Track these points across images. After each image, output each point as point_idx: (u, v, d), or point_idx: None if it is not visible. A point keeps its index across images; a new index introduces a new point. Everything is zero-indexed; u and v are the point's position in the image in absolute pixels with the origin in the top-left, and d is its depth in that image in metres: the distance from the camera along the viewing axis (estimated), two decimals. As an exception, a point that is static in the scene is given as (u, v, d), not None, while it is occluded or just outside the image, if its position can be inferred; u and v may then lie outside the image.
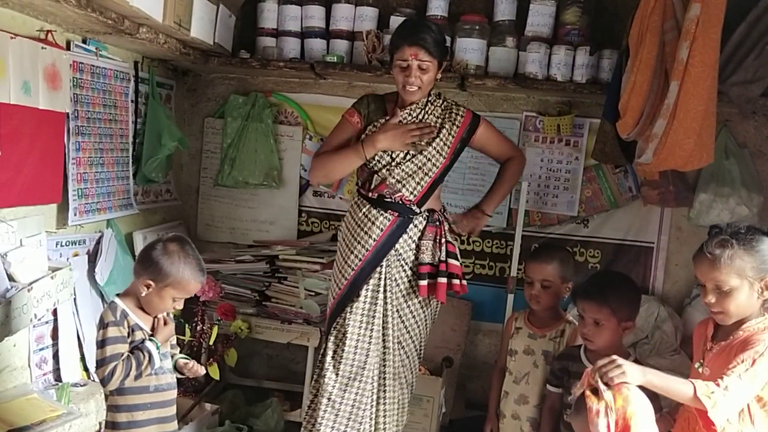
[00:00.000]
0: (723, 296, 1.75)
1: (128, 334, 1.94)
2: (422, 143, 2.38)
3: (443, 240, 2.42)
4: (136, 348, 1.94)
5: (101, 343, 1.91)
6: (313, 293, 3.17)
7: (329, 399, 2.35)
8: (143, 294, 1.96)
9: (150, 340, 1.95)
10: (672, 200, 3.17)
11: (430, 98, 2.44)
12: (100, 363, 1.90)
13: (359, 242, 2.39)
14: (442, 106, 2.46)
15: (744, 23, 2.56)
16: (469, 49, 3.15)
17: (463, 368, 3.44)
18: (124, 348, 1.91)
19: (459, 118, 2.44)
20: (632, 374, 1.58)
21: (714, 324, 1.85)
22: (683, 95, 2.36)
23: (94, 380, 2.61)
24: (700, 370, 1.82)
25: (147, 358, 1.92)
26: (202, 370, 2.14)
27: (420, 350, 2.53)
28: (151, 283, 1.95)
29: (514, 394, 2.35)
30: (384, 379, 2.41)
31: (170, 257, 1.95)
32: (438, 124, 2.42)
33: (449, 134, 2.42)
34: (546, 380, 2.26)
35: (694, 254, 1.83)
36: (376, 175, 2.41)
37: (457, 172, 3.33)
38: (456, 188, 3.41)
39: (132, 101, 3.01)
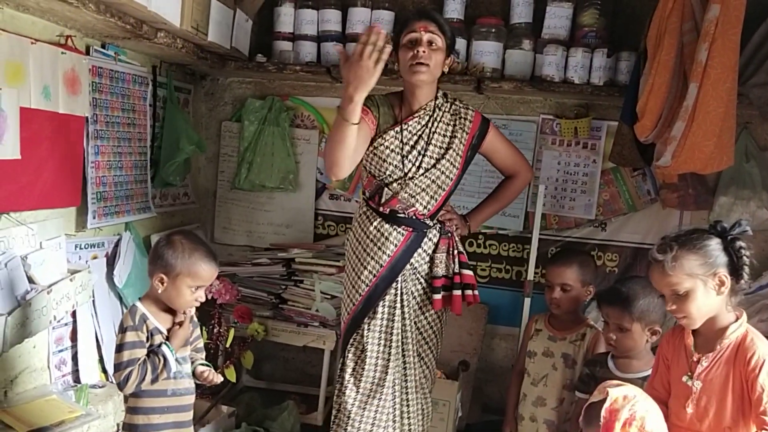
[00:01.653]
0: (682, 300, 1.74)
1: (147, 338, 1.95)
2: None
3: (455, 251, 2.36)
4: (152, 352, 1.95)
5: (119, 348, 1.93)
6: (329, 296, 3.18)
7: (349, 417, 2.32)
8: (160, 291, 1.96)
9: (165, 344, 1.96)
10: (691, 203, 3.14)
11: (437, 102, 2.32)
12: (117, 367, 1.92)
13: (372, 258, 2.31)
14: (451, 111, 2.35)
15: (764, 24, 2.53)
16: (486, 52, 3.14)
17: (480, 372, 3.42)
18: (141, 353, 1.93)
19: (468, 123, 2.35)
20: None
21: (692, 335, 1.82)
22: (702, 97, 2.34)
23: (112, 382, 2.63)
24: (689, 383, 1.79)
25: (162, 362, 1.93)
26: (218, 379, 2.12)
27: (437, 357, 2.50)
28: (163, 277, 1.95)
29: (531, 396, 2.34)
30: (407, 392, 2.37)
31: (175, 248, 1.96)
32: (449, 133, 2.33)
33: (460, 143, 2.34)
34: (574, 386, 2.24)
35: (649, 269, 1.82)
36: (386, 189, 2.31)
37: (473, 175, 3.33)
38: (472, 191, 3.39)
39: (150, 105, 3.04)
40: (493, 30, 3.15)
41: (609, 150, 3.10)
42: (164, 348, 1.95)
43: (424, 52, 2.18)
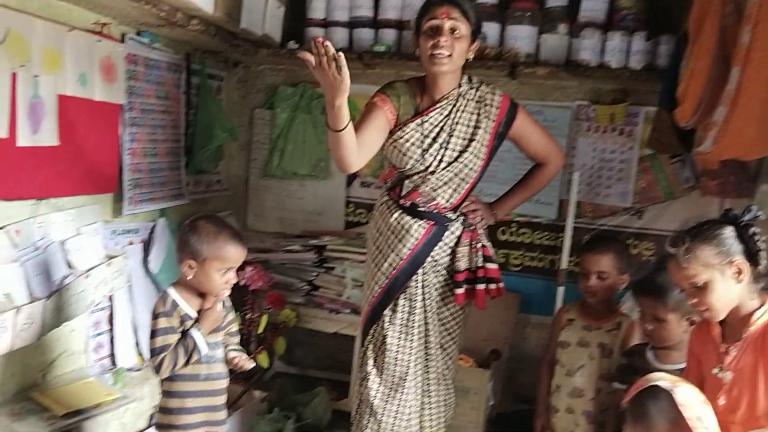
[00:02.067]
0: (701, 293, 1.71)
1: (179, 323, 1.97)
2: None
3: (479, 245, 2.28)
4: (183, 336, 1.96)
5: (152, 334, 1.96)
6: (360, 283, 3.18)
7: (372, 409, 2.31)
8: (190, 277, 1.97)
9: (195, 328, 1.97)
10: (732, 191, 3.05)
11: (461, 89, 2.20)
12: (152, 353, 1.95)
13: (392, 250, 2.26)
14: (476, 98, 2.22)
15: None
16: (520, 37, 3.09)
17: (511, 361, 3.39)
18: (173, 338, 1.94)
19: (494, 110, 2.21)
20: None
21: (719, 325, 1.78)
22: (745, 81, 2.26)
23: (148, 365, 2.68)
24: (720, 375, 1.75)
25: (192, 345, 1.94)
26: (249, 364, 2.11)
27: (459, 347, 2.46)
28: (191, 263, 1.96)
29: (567, 387, 2.30)
30: (428, 383, 2.35)
31: (199, 233, 1.96)
32: (473, 124, 2.21)
33: (485, 133, 2.21)
34: (612, 377, 2.21)
35: (667, 263, 1.79)
36: (407, 181, 2.24)
37: (506, 162, 3.28)
38: (505, 179, 3.32)
39: (184, 93, 3.06)
40: (528, 14, 3.09)
41: (646, 136, 3.03)
42: (193, 331, 1.96)
43: (446, 41, 2.06)
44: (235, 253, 1.98)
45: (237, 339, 2.20)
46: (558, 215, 3.34)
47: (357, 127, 2.12)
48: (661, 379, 1.64)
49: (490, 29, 3.12)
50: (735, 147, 2.38)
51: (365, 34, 3.31)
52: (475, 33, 2.16)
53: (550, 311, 3.16)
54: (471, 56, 2.19)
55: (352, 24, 3.36)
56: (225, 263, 1.97)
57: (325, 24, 3.38)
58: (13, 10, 2.02)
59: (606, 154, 3.28)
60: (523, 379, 3.41)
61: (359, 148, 2.07)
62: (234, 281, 2.03)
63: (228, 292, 2.05)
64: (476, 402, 3.09)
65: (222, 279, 1.98)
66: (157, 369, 1.93)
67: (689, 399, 1.58)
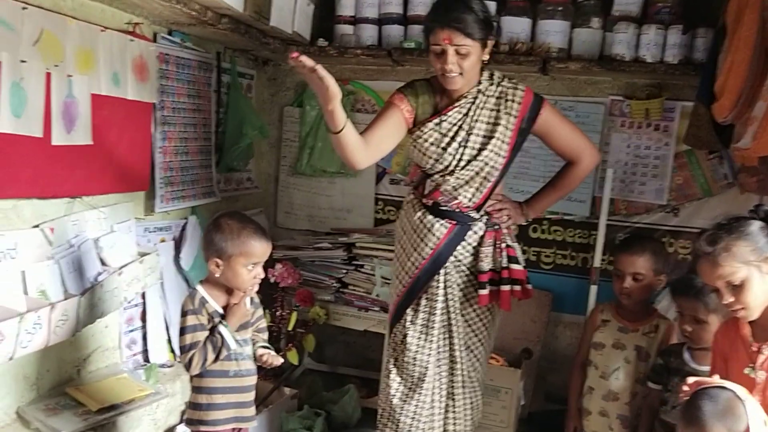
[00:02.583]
0: (738, 291, 1.65)
1: (208, 320, 1.98)
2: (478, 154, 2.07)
3: (504, 245, 2.23)
4: (211, 332, 1.97)
5: (181, 331, 1.97)
6: (389, 281, 3.16)
7: (391, 408, 2.31)
8: (217, 275, 1.98)
9: (222, 324, 1.97)
10: (772, 188, 2.96)
11: (480, 86, 2.15)
12: (182, 350, 1.96)
13: (415, 249, 2.24)
14: (496, 94, 2.16)
15: None
16: (552, 32, 3.04)
17: (543, 360, 3.35)
18: (202, 335, 1.95)
19: (515, 105, 2.14)
20: None
21: (748, 324, 1.73)
22: (787, 75, 2.19)
23: (179, 362, 2.70)
24: (753, 374, 1.69)
25: (220, 340, 1.95)
26: (277, 361, 2.11)
27: (489, 349, 2.41)
28: (218, 260, 1.96)
29: (601, 390, 2.25)
30: (452, 386, 2.31)
31: (222, 230, 1.95)
32: (492, 120, 2.15)
33: (506, 129, 2.15)
34: (647, 377, 2.16)
35: (697, 263, 1.73)
36: (429, 180, 2.22)
37: (538, 159, 3.25)
38: (537, 176, 3.30)
39: (215, 91, 3.08)
40: (560, 8, 3.04)
41: (683, 132, 2.96)
42: (221, 327, 1.96)
43: (453, 63, 2.04)
44: (259, 247, 1.97)
45: (266, 336, 2.20)
46: (591, 213, 3.28)
47: (370, 126, 2.18)
48: (725, 384, 1.59)
49: (521, 24, 3.08)
50: (776, 143, 2.30)
51: (394, 31, 3.30)
52: (486, 36, 2.08)
53: (582, 310, 3.11)
54: (486, 57, 2.14)
55: (382, 21, 3.34)
56: (250, 258, 1.96)
57: (355, 21, 3.37)
58: (47, 10, 2.05)
59: (641, 150, 3.21)
60: (554, 378, 3.37)
61: (368, 146, 2.09)
62: (262, 276, 2.02)
63: (256, 288, 2.05)
64: (507, 401, 3.06)
65: (249, 274, 1.98)
66: (188, 366, 1.95)
67: (756, 412, 1.53)
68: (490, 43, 2.12)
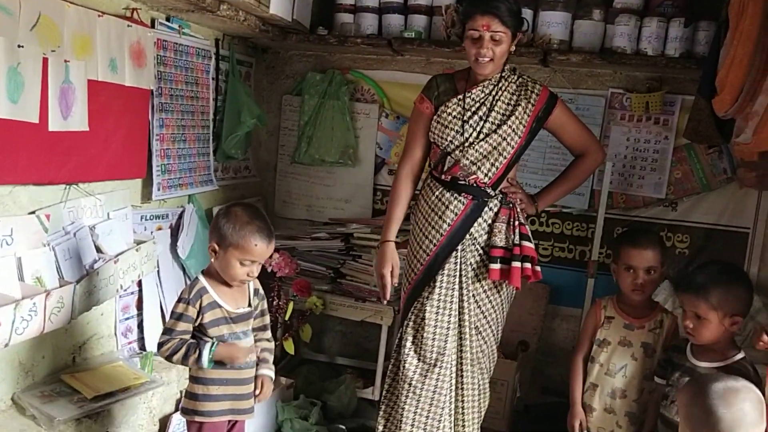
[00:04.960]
0: None
1: (198, 313, 1.96)
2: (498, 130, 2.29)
3: (516, 222, 2.32)
4: (196, 338, 1.97)
5: (170, 314, 1.99)
6: (387, 272, 3.16)
7: (410, 385, 2.32)
8: (212, 260, 1.97)
9: (212, 343, 1.94)
10: (771, 183, 2.96)
11: (503, 74, 2.34)
12: (163, 330, 1.99)
13: (433, 227, 2.34)
14: (517, 83, 2.35)
15: None
16: (553, 23, 3.02)
17: (540, 353, 3.35)
18: (184, 326, 1.95)
19: (535, 96, 2.32)
20: None
21: None
22: (789, 70, 2.18)
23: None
24: None
25: (196, 355, 1.93)
26: (268, 394, 2.13)
27: (497, 335, 2.46)
28: (215, 246, 1.96)
29: (606, 387, 2.24)
30: (462, 365, 2.36)
31: (229, 219, 1.95)
32: (513, 102, 2.32)
33: (524, 112, 2.31)
34: (653, 372, 2.15)
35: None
36: (449, 157, 2.33)
37: (537, 151, 3.24)
38: (536, 168, 3.30)
39: (213, 78, 3.06)
40: (561, 0, 3.02)
41: (683, 126, 2.96)
42: (205, 347, 1.93)
43: (487, 49, 2.21)
44: (258, 247, 1.95)
45: (267, 335, 2.19)
46: (589, 206, 3.28)
47: (409, 139, 2.49)
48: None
49: (523, 15, 3.04)
50: (776, 138, 2.29)
51: (395, 20, 3.28)
52: (517, 28, 2.27)
53: (579, 303, 3.12)
54: (513, 48, 2.31)
55: (382, 9, 3.32)
56: (246, 255, 1.94)
57: (355, 9, 3.35)
58: (44, -6, 2.03)
59: (640, 144, 3.20)
60: (551, 371, 3.37)
61: (422, 158, 2.48)
62: (254, 275, 2.00)
63: (249, 281, 2.04)
64: (503, 393, 3.07)
65: (241, 269, 1.95)
66: (158, 348, 1.97)
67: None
68: (519, 36, 2.29)
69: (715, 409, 1.46)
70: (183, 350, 1.94)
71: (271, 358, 2.19)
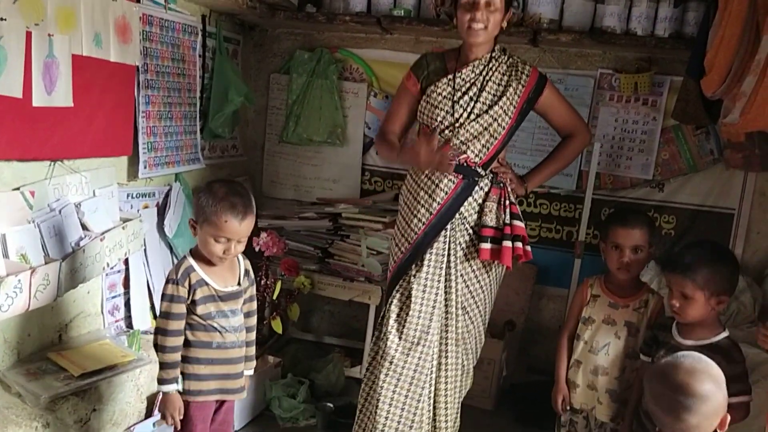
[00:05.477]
0: None
1: (188, 291, 1.95)
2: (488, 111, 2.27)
3: (507, 202, 2.31)
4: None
5: (161, 297, 1.98)
6: (375, 252, 3.16)
7: (391, 363, 2.32)
8: (194, 236, 1.97)
9: (176, 384, 1.98)
10: (757, 164, 2.98)
11: (494, 53, 2.31)
12: (159, 314, 1.98)
13: (422, 205, 2.32)
14: (508, 63, 2.32)
15: None
16: (543, 2, 2.99)
17: (526, 333, 3.38)
18: (179, 308, 1.94)
19: (525, 77, 2.31)
20: None
21: None
22: (776, 50, 2.18)
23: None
24: None
25: (164, 376, 1.96)
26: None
27: (485, 316, 2.45)
28: (193, 222, 1.95)
29: (589, 365, 2.25)
30: (446, 344, 2.36)
31: (207, 195, 1.92)
32: (503, 83, 2.30)
33: (515, 93, 2.29)
34: (639, 349, 2.17)
35: None
36: (439, 136, 2.30)
37: (525, 131, 3.23)
38: (524, 149, 3.31)
39: (200, 56, 3.02)
40: (552, -22, 3.00)
41: (671, 107, 2.96)
42: (170, 385, 1.97)
43: (482, 15, 2.19)
44: (229, 224, 1.89)
45: (253, 321, 2.17)
46: (577, 186, 3.29)
47: (390, 112, 2.47)
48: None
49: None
50: (763, 118, 2.30)
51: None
52: (509, 3, 2.26)
53: (566, 283, 3.14)
54: (504, 25, 2.29)
55: (371, -13, 3.28)
56: (218, 231, 1.90)
57: (344, -13, 3.31)
58: (27, -33, 1.98)
59: (628, 125, 3.21)
60: (537, 350, 3.40)
61: (399, 133, 2.46)
62: (231, 254, 1.96)
63: (227, 258, 1.98)
64: (489, 372, 3.09)
65: (217, 247, 1.92)
66: (161, 332, 1.95)
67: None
68: (510, 12, 2.29)
69: (684, 386, 1.51)
70: (167, 362, 1.95)
71: (253, 350, 2.19)
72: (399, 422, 2.33)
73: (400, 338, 2.32)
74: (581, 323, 2.31)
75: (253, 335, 2.18)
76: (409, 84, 2.40)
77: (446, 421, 2.40)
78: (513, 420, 3.07)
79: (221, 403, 2.11)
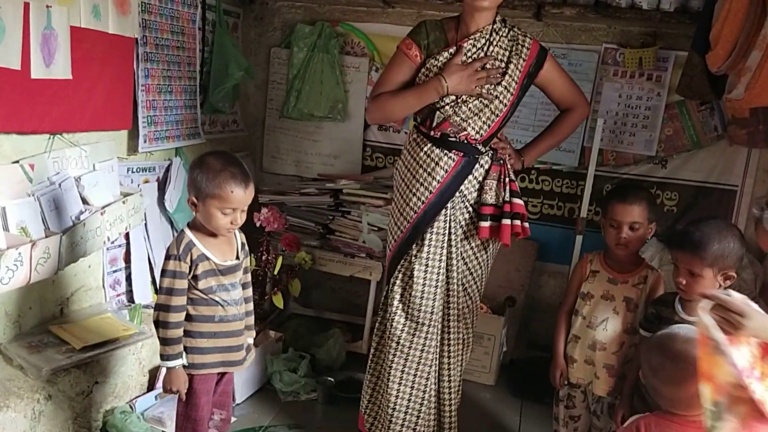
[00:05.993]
0: None
1: (190, 267, 1.95)
2: (490, 87, 2.19)
3: (507, 179, 2.28)
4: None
5: (162, 272, 1.96)
6: (376, 228, 3.16)
7: (398, 343, 2.32)
8: (195, 215, 1.95)
9: (181, 359, 1.98)
10: (761, 140, 2.93)
11: (495, 26, 2.23)
12: (159, 290, 1.97)
13: (422, 184, 2.27)
14: (509, 36, 2.24)
15: None
16: (547, -25, 2.97)
17: (527, 309, 3.39)
18: (181, 283, 1.93)
19: (525, 50, 2.24)
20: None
21: None
22: (783, 24, 2.15)
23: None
24: None
25: (168, 352, 1.96)
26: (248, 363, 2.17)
27: (481, 290, 2.46)
28: (194, 199, 1.93)
29: (587, 339, 2.26)
30: (448, 321, 2.36)
31: (202, 169, 1.91)
32: (506, 58, 2.22)
33: (516, 69, 2.23)
34: (639, 324, 2.18)
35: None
36: (438, 113, 2.24)
37: (528, 107, 3.21)
38: (527, 124, 3.28)
39: (199, 29, 2.99)
40: (557, -49, 2.96)
41: (676, 82, 2.93)
42: (175, 360, 1.96)
43: None
44: (235, 194, 1.90)
45: (249, 293, 2.16)
46: (579, 163, 3.27)
47: (388, 77, 2.30)
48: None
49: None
50: (768, 94, 2.28)
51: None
52: None
53: (567, 260, 3.14)
54: None
55: (373, -41, 3.24)
56: (224, 203, 1.90)
57: (345, -41, 3.26)
58: (23, -65, 1.95)
59: (632, 101, 3.18)
60: (537, 326, 3.42)
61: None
62: (239, 223, 1.97)
63: (235, 228, 2.00)
64: (490, 347, 3.11)
65: (224, 219, 1.92)
66: (162, 308, 1.94)
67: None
68: None
69: (684, 353, 1.52)
70: (171, 337, 1.95)
71: (252, 320, 2.19)
72: (409, 399, 2.35)
73: (405, 318, 2.32)
74: (580, 298, 2.31)
75: (251, 305, 2.18)
76: (411, 53, 2.27)
77: (450, 394, 2.42)
78: (513, 395, 3.09)
79: (221, 375, 2.12)
